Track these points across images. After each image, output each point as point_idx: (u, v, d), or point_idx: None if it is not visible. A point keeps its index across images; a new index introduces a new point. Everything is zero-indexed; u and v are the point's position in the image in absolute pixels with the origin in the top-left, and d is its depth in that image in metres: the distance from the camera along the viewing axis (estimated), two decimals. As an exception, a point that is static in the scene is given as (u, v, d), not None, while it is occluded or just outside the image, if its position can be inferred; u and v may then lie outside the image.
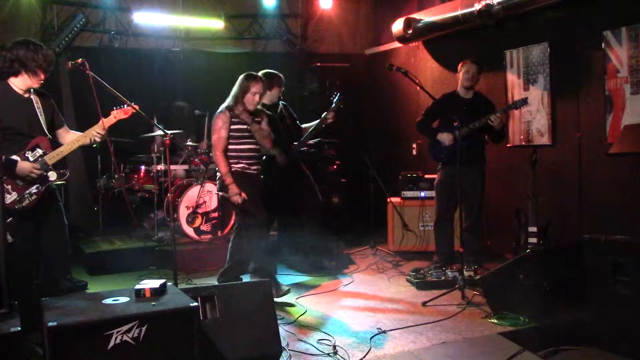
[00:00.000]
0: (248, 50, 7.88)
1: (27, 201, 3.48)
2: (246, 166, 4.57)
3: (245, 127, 4.54)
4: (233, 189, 4.39)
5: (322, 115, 5.37)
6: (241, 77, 4.58)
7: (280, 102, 5.46)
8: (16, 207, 3.44)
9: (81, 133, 3.74)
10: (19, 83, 3.53)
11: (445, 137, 5.11)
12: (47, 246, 3.65)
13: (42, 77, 3.55)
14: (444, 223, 5.36)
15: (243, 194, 4.40)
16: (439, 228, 5.38)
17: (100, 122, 3.69)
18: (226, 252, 4.65)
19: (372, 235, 6.46)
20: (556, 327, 3.82)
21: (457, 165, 4.64)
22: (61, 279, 3.96)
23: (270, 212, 5.50)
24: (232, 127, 4.49)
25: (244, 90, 4.50)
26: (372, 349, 3.56)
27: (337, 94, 5.40)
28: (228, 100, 4.58)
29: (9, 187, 3.42)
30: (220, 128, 4.47)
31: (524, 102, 5.05)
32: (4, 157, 3.35)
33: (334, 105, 5.35)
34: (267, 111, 5.02)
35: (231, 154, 4.51)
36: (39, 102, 3.62)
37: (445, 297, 4.48)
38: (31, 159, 3.51)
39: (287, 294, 4.56)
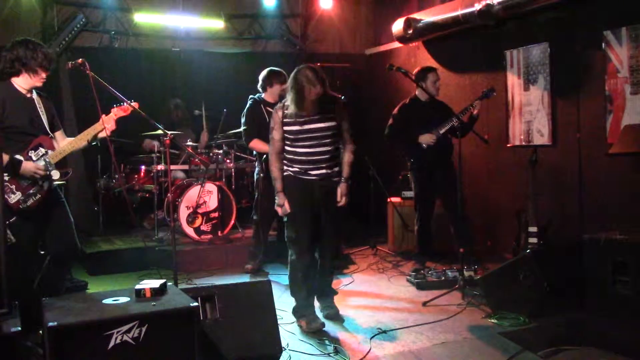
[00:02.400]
0: (248, 50, 7.88)
1: (31, 200, 3.48)
2: (301, 171, 3.99)
3: (299, 127, 3.94)
4: (279, 198, 3.99)
5: None
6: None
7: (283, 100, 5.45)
8: (21, 207, 3.45)
9: (79, 135, 3.75)
10: (22, 82, 3.54)
11: (428, 138, 5.14)
12: (53, 245, 3.65)
13: (44, 75, 3.56)
14: (427, 227, 5.40)
15: (287, 207, 3.97)
16: (423, 232, 5.38)
17: (100, 120, 3.69)
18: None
19: (372, 235, 6.46)
20: (556, 327, 3.83)
21: (460, 165, 4.67)
22: (63, 278, 3.96)
23: (270, 212, 5.52)
24: (286, 127, 3.97)
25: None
26: (372, 349, 3.56)
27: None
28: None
29: (13, 186, 3.42)
30: (272, 129, 4.03)
31: (492, 91, 5.26)
32: (9, 156, 3.36)
33: None
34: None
35: (286, 155, 4.04)
36: (40, 102, 3.63)
37: (445, 297, 4.48)
38: (34, 158, 3.51)
39: (320, 329, 3.93)
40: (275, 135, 4.01)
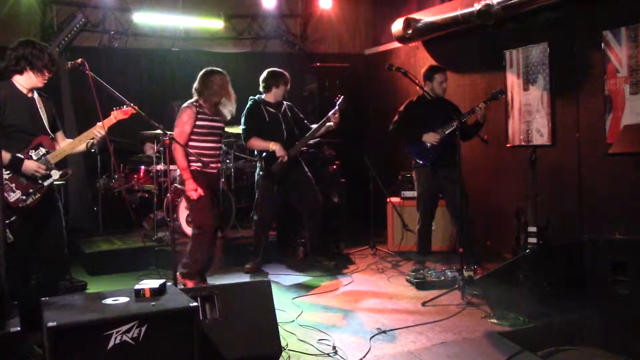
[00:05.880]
0: (247, 50, 7.89)
1: (30, 199, 3.49)
2: (205, 164, 4.54)
3: (210, 123, 4.58)
4: (190, 184, 4.45)
5: (325, 118, 5.37)
6: (205, 72, 4.66)
7: (285, 102, 5.46)
8: (20, 205, 3.45)
9: (78, 137, 3.75)
10: (24, 82, 3.54)
11: (431, 138, 5.12)
12: (45, 246, 3.65)
13: (47, 76, 3.58)
14: (429, 226, 5.39)
15: (200, 190, 4.45)
16: (424, 232, 5.36)
17: (101, 123, 3.69)
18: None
19: (371, 235, 6.46)
20: (556, 327, 3.83)
21: (459, 165, 4.66)
22: (59, 278, 3.96)
23: (270, 212, 5.54)
24: (199, 122, 4.53)
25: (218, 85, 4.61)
26: (372, 349, 3.56)
27: (340, 97, 5.40)
28: (195, 97, 4.64)
29: (13, 185, 3.43)
30: (184, 123, 4.51)
31: (502, 92, 5.22)
32: (10, 154, 3.36)
33: (337, 107, 5.35)
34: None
35: (192, 150, 4.47)
36: (40, 102, 3.64)
37: (445, 297, 4.48)
38: (34, 157, 3.52)
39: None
40: (187, 129, 4.52)
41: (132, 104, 3.82)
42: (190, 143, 4.55)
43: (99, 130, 3.68)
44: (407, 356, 3.45)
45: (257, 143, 5.28)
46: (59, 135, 3.81)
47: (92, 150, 3.83)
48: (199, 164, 4.54)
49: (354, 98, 7.19)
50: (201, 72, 4.67)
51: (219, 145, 4.74)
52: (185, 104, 4.61)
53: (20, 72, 3.52)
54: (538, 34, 5.60)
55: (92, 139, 3.70)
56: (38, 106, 3.61)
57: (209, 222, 4.58)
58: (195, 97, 4.64)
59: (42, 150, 3.56)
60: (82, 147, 3.74)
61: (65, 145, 3.69)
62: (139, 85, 7.02)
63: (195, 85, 4.66)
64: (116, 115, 3.80)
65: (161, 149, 6.10)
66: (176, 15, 7.24)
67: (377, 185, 6.37)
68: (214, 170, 4.69)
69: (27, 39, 3.59)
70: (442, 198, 5.38)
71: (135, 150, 6.68)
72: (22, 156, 3.45)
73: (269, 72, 5.35)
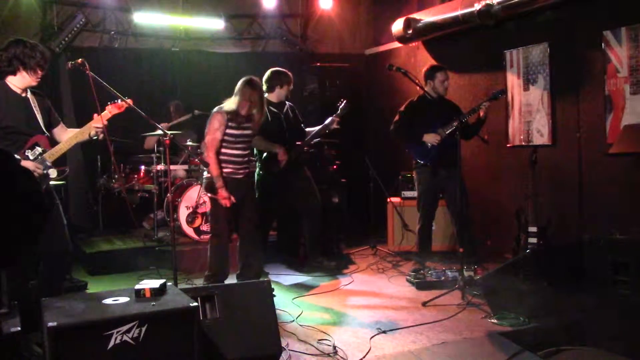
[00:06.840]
0: (248, 51, 7.88)
1: None
2: (234, 171, 4.55)
3: (239, 132, 4.52)
4: (223, 192, 4.39)
5: (327, 121, 5.37)
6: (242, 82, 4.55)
7: (287, 102, 5.46)
8: None
9: (78, 129, 3.74)
10: (17, 82, 3.53)
11: (432, 138, 5.11)
12: (47, 245, 3.65)
13: (40, 74, 3.56)
14: (429, 227, 5.38)
15: (232, 198, 4.40)
16: (424, 232, 5.36)
17: (99, 117, 3.69)
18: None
19: (372, 235, 6.46)
20: (556, 327, 3.83)
21: (459, 166, 4.66)
22: (61, 278, 3.96)
23: (270, 212, 5.54)
24: (228, 130, 4.46)
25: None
26: (372, 349, 3.56)
27: (343, 101, 5.40)
28: (227, 103, 4.52)
29: None
30: (216, 129, 4.44)
31: (503, 92, 5.26)
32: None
33: (339, 111, 5.35)
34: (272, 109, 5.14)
35: (221, 157, 4.48)
36: (35, 101, 3.63)
37: (445, 297, 4.48)
38: (31, 157, 3.51)
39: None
40: (219, 135, 4.45)
41: (126, 99, 3.81)
42: (221, 149, 4.51)
43: (96, 125, 3.68)
44: (407, 356, 3.45)
45: (262, 143, 5.27)
46: (59, 128, 3.79)
47: (95, 138, 3.78)
48: (230, 170, 4.52)
49: (354, 98, 7.17)
50: (240, 81, 4.56)
51: (247, 152, 4.67)
52: (215, 109, 4.52)
53: (13, 73, 3.50)
54: (538, 34, 5.59)
55: (96, 132, 3.69)
56: (33, 105, 3.60)
57: (223, 230, 4.56)
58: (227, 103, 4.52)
59: (39, 150, 3.55)
60: (76, 142, 3.72)
61: (61, 143, 3.66)
62: (139, 85, 7.01)
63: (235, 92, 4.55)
64: (111, 110, 3.80)
65: (161, 148, 6.10)
66: (176, 15, 7.23)
67: (377, 185, 6.37)
68: (242, 176, 4.62)
69: (17, 38, 3.56)
70: (442, 198, 5.38)
71: (135, 150, 6.68)
72: (18, 157, 3.45)
73: (272, 72, 5.32)
